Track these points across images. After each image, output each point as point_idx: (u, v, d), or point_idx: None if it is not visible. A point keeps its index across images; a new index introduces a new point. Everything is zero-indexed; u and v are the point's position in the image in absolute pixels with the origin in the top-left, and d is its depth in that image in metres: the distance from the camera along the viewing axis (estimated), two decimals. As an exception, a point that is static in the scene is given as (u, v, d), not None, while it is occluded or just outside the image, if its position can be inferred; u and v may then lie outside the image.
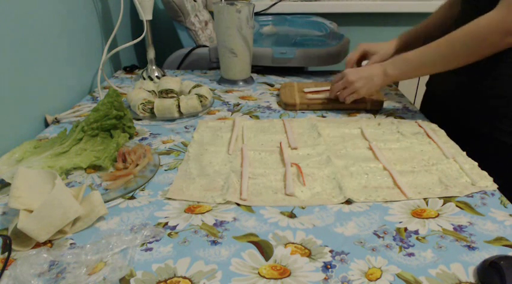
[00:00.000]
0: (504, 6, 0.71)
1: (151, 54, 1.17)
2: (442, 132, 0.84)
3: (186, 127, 0.89)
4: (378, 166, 0.72)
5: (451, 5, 1.00)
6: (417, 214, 0.61)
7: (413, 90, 1.97)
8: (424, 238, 0.56)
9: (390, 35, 2.11)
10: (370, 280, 0.49)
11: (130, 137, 0.83)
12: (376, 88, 0.90)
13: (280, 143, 0.79)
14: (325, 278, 0.49)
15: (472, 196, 0.64)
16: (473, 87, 0.84)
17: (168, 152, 0.79)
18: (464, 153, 0.76)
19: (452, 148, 0.78)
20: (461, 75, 0.84)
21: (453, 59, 0.79)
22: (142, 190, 0.67)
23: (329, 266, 0.51)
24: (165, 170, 0.73)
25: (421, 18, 1.03)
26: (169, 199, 0.64)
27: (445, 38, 0.78)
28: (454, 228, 0.58)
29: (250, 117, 0.94)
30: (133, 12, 1.41)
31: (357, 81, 0.89)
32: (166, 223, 0.59)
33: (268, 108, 0.99)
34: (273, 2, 1.84)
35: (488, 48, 0.75)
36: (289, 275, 0.50)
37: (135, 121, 0.86)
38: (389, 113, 0.95)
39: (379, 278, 0.49)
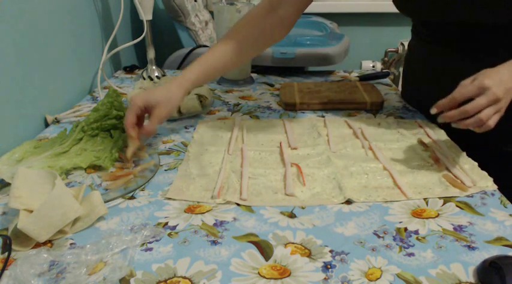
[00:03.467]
0: None
1: (151, 54, 1.17)
2: (442, 132, 0.84)
3: (186, 127, 0.89)
4: (378, 166, 0.72)
5: (265, 17, 0.84)
6: (417, 214, 0.61)
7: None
8: (424, 238, 0.56)
9: (390, 35, 2.11)
10: (370, 280, 0.49)
11: (131, 137, 0.83)
12: None
13: (280, 143, 0.79)
14: (325, 278, 0.49)
15: (472, 196, 0.64)
16: None
17: (168, 152, 0.79)
18: (464, 153, 0.76)
19: (452, 148, 0.78)
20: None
21: None
22: (143, 190, 0.67)
23: (329, 266, 0.51)
24: (165, 170, 0.73)
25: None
26: (169, 199, 0.64)
27: None
28: (454, 228, 0.57)
29: (250, 117, 0.94)
30: (133, 12, 1.41)
31: (504, 97, 0.62)
32: (166, 223, 0.59)
33: (268, 108, 0.99)
34: (273, 2, 1.84)
35: None
36: (289, 275, 0.50)
37: (135, 121, 0.86)
38: (390, 113, 0.95)
39: (379, 278, 0.49)
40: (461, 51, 0.80)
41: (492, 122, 0.62)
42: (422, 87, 0.93)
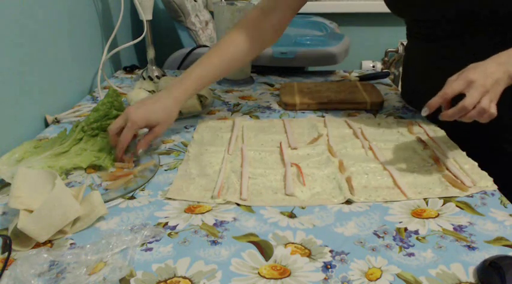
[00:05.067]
0: None
1: (151, 54, 1.17)
2: (442, 132, 0.84)
3: (186, 127, 0.89)
4: (378, 166, 0.72)
5: (256, 26, 0.86)
6: (417, 214, 0.61)
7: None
8: (424, 238, 0.56)
9: (390, 35, 2.11)
10: (370, 280, 0.49)
11: (131, 137, 0.83)
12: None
13: (280, 143, 0.79)
14: (325, 278, 0.49)
15: (472, 196, 0.64)
16: None
17: (168, 152, 0.79)
18: (464, 153, 0.76)
19: (452, 148, 0.78)
20: None
21: None
22: (142, 190, 0.67)
23: (329, 266, 0.51)
24: (165, 170, 0.73)
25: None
26: (169, 199, 0.64)
27: None
28: (454, 228, 0.57)
29: (250, 117, 0.94)
30: (133, 12, 1.41)
31: (493, 87, 0.62)
32: (166, 223, 0.59)
33: (268, 108, 0.99)
34: (273, 2, 1.84)
35: None
36: (289, 275, 0.50)
37: (135, 121, 0.86)
38: (390, 113, 0.95)
39: (379, 278, 0.49)
40: (456, 46, 0.80)
41: (493, 110, 0.62)
42: (421, 87, 0.93)
